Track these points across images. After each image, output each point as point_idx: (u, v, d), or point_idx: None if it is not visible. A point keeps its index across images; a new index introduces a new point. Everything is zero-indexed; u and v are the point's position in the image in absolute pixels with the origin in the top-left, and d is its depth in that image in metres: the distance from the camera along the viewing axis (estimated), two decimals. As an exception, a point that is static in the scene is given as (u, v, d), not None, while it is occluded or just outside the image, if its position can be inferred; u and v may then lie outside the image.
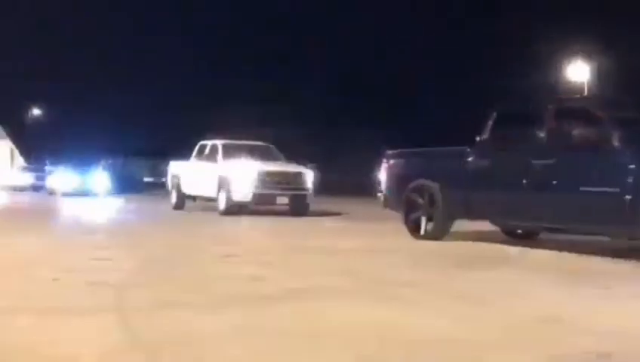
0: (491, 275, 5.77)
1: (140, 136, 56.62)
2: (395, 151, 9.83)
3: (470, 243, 8.39)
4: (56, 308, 3.99)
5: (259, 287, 4.81)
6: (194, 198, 16.53)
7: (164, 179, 18.46)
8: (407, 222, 8.87)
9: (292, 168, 15.40)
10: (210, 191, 15.02)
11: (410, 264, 6.46)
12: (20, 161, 54.49)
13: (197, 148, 16.75)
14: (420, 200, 8.63)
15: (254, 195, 14.13)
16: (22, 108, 59.96)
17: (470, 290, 4.90)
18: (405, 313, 3.99)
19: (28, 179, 36.32)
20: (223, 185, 14.33)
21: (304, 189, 14.75)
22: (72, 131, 53.89)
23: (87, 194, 25.79)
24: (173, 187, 17.15)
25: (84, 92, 66.44)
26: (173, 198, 16.95)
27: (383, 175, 9.57)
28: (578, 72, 36.42)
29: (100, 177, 27.68)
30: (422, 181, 8.66)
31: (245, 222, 12.99)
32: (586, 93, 35.16)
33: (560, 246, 8.57)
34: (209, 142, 16.45)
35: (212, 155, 15.62)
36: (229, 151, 15.57)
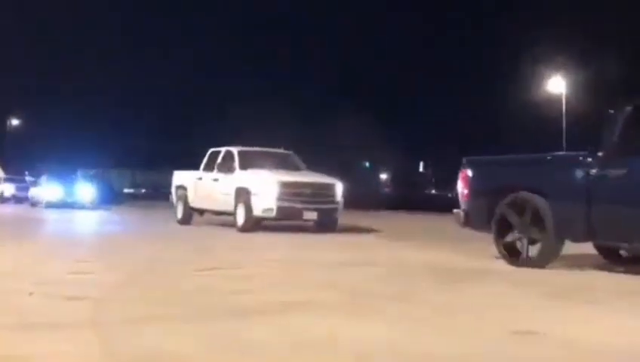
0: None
1: (117, 147, 56.39)
2: (481, 158, 8.41)
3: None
4: (31, 322, 3.92)
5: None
6: (201, 212, 15.16)
7: (170, 192, 16.43)
8: (500, 244, 7.36)
9: (321, 179, 13.83)
10: (225, 204, 13.46)
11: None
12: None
13: (207, 156, 15.04)
14: (519, 218, 7.13)
15: (279, 209, 12.58)
16: (0, 119, 59.41)
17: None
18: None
19: (9, 189, 35.58)
20: (241, 197, 12.87)
21: (334, 202, 13.30)
22: (48, 143, 53.53)
23: (72, 205, 25.07)
24: (178, 200, 15.57)
25: (61, 103, 66.10)
26: (179, 212, 15.39)
27: (462, 187, 7.96)
28: (556, 85, 37.00)
29: (85, 188, 26.83)
30: (522, 195, 7.14)
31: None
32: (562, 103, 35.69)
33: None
34: (222, 149, 14.66)
35: (226, 164, 13.95)
36: (247, 160, 13.94)
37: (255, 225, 12.65)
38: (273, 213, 12.60)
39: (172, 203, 16.08)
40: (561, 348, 3.52)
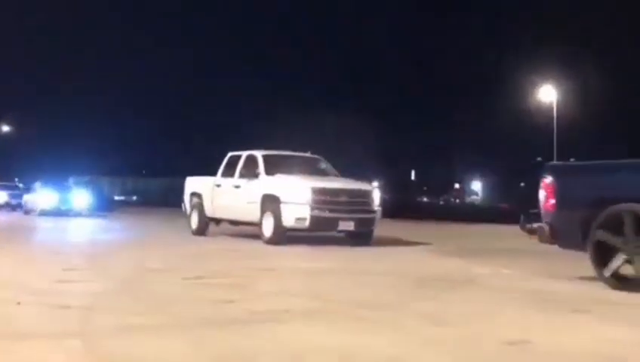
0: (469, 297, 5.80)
1: (108, 154, 56.30)
2: (568, 164, 7.54)
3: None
4: (19, 332, 3.91)
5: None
6: (217, 222, 14.00)
7: (185, 201, 14.96)
8: (602, 267, 6.23)
9: (357, 185, 12.66)
10: (249, 213, 12.21)
11: None
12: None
13: (226, 161, 13.82)
14: (623, 238, 6.05)
15: (313, 219, 11.31)
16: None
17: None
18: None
19: (1, 197, 34.45)
20: (268, 206, 11.61)
21: (372, 211, 12.05)
22: (37, 150, 53.39)
23: (66, 213, 24.54)
24: (193, 208, 14.28)
25: (51, 110, 66.04)
26: (194, 222, 14.12)
27: (546, 196, 6.84)
28: (547, 94, 37.28)
29: (80, 195, 26.25)
30: (622, 207, 6.05)
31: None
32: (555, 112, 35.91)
33: (525, 271, 8.68)
34: (243, 154, 13.42)
35: (249, 169, 12.70)
36: (272, 164, 12.63)
37: (284, 236, 11.44)
38: (306, 224, 11.34)
39: (185, 212, 14.76)
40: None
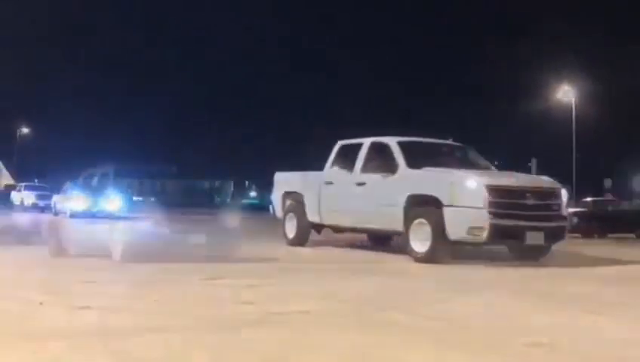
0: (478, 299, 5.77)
1: (124, 155, 56.63)
2: None
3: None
4: (40, 332, 3.95)
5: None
6: (319, 229, 11.38)
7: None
8: None
9: (544, 182, 9.70)
10: (385, 220, 9.49)
11: None
12: (7, 178, 53.95)
13: (336, 151, 11.05)
14: None
15: (493, 229, 8.39)
16: (11, 127, 59.88)
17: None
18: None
19: (29, 198, 33.39)
20: (419, 211, 8.93)
21: (564, 218, 9.42)
22: (57, 151, 53.84)
23: (98, 214, 23.68)
24: (290, 212, 11.55)
25: (71, 113, 66.68)
26: (291, 230, 11.39)
27: None
28: (565, 94, 36.95)
29: (112, 196, 25.42)
30: None
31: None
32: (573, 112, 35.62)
33: (541, 271, 8.60)
34: (365, 141, 10.51)
35: (382, 162, 9.82)
36: (413, 155, 9.67)
37: (447, 252, 8.74)
38: (484, 235, 8.46)
39: (275, 215, 12.11)
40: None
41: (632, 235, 22.78)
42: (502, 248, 9.65)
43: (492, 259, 9.27)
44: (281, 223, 11.86)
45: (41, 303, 4.84)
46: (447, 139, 11.95)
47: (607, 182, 39.83)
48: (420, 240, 8.84)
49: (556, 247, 9.64)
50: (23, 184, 35.45)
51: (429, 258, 8.65)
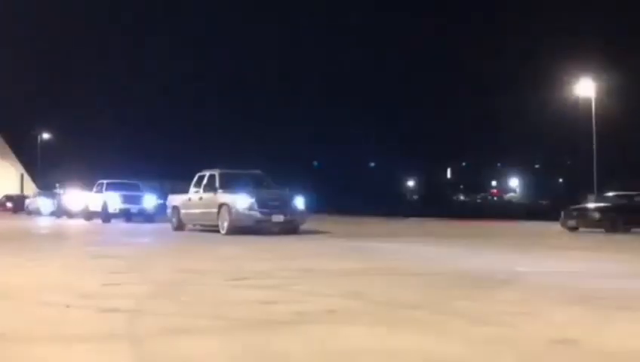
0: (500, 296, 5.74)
1: (140, 158, 56.95)
2: None
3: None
4: (67, 335, 3.99)
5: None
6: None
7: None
8: None
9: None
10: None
11: None
12: (31, 186, 54.50)
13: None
14: None
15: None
16: (31, 135, 60.58)
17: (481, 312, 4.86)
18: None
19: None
20: None
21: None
22: (76, 156, 54.24)
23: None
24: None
25: (89, 118, 67.28)
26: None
27: None
28: (585, 88, 36.54)
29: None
30: None
31: None
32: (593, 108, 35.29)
33: (568, 268, 8.54)
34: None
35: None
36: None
37: None
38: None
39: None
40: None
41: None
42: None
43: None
44: None
45: (67, 306, 4.89)
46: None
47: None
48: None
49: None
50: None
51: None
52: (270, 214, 16.14)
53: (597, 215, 22.10)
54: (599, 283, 6.77)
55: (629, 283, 6.91)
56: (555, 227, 22.51)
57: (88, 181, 31.01)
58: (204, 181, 17.94)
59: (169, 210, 19.52)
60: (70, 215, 29.23)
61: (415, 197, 79.63)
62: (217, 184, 17.20)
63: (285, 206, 16.59)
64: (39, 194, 40.17)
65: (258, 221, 16.07)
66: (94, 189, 26.45)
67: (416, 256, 10.23)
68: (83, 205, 27.14)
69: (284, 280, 6.81)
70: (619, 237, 18.47)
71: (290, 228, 16.43)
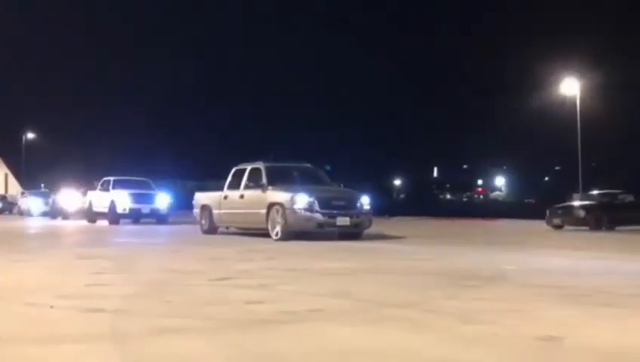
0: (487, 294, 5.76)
1: (131, 158, 56.70)
2: None
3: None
4: (52, 336, 3.96)
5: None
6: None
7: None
8: None
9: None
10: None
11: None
12: (16, 186, 54.00)
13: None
14: None
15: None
16: (16, 134, 60.10)
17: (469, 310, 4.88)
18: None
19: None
20: None
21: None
22: (63, 156, 53.83)
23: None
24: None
25: (74, 116, 66.86)
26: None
27: None
28: (569, 87, 36.80)
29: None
30: None
31: None
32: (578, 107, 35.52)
33: (548, 264, 8.58)
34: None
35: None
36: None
37: None
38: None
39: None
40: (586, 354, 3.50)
41: (640, 227, 22.71)
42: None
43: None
44: None
45: (52, 307, 4.85)
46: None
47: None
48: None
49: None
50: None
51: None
52: (334, 216, 13.63)
53: (582, 213, 22.27)
54: (584, 280, 6.82)
55: (614, 280, 6.96)
56: (541, 225, 22.65)
57: (81, 180, 30.30)
58: (245, 176, 15.33)
59: (196, 210, 17.22)
60: (66, 216, 27.69)
61: (402, 196, 79.80)
62: (264, 179, 14.57)
63: (351, 206, 14.09)
64: (31, 194, 38.57)
65: (320, 224, 13.61)
66: (99, 187, 24.20)
67: (402, 255, 10.25)
68: (80, 205, 25.91)
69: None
70: (603, 235, 18.62)
71: (355, 233, 13.96)
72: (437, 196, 79.94)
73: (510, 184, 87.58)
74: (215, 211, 16.20)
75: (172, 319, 4.48)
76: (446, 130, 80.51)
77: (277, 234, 13.53)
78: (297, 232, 13.50)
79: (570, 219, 22.41)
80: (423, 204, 51.43)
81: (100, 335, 3.95)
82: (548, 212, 23.32)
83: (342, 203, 14.06)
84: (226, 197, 15.95)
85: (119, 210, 22.08)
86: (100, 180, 24.98)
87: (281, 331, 4.06)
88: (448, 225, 25.02)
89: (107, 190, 23.32)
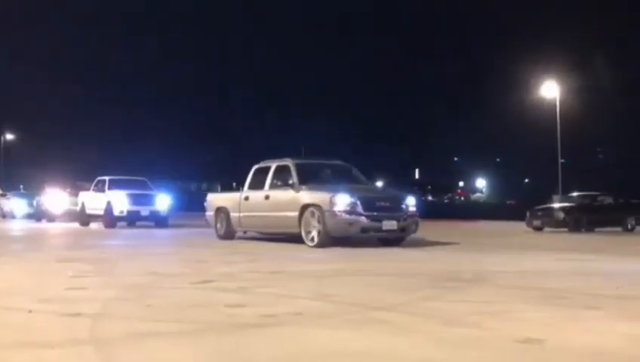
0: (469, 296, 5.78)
1: (113, 158, 56.29)
2: None
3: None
4: (31, 341, 3.90)
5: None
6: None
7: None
8: None
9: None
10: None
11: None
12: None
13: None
14: None
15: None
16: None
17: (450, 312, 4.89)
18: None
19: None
20: None
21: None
22: (40, 158, 53.30)
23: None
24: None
25: (51, 118, 66.34)
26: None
27: None
28: (549, 90, 37.15)
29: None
30: None
31: None
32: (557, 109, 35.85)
33: (529, 266, 8.63)
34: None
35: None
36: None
37: None
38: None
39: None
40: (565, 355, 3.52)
41: (619, 228, 22.97)
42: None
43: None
44: None
45: (30, 311, 4.79)
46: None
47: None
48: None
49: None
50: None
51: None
52: (380, 220, 12.12)
53: (561, 215, 22.48)
54: (564, 282, 6.88)
55: (593, 281, 7.03)
56: (521, 227, 22.83)
57: (68, 181, 29.06)
58: (270, 174, 13.85)
59: (210, 213, 15.69)
60: (51, 218, 26.48)
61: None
62: (295, 178, 13.03)
63: (397, 209, 12.57)
64: (14, 195, 36.75)
65: (365, 229, 12.13)
66: (92, 188, 23.01)
67: (383, 257, 10.26)
68: (67, 207, 24.98)
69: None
70: (583, 237, 18.79)
71: (399, 239, 12.75)
72: (419, 198, 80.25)
73: (491, 186, 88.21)
74: (233, 214, 14.73)
75: (153, 323, 4.44)
76: (428, 132, 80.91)
77: (312, 240, 12.11)
78: (337, 238, 12.11)
79: (550, 220, 22.62)
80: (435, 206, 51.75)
81: (79, 339, 3.91)
82: (528, 214, 23.51)
83: (387, 204, 12.62)
84: (247, 198, 14.42)
85: (116, 213, 20.82)
86: (83, 180, 24.25)
87: (263, 334, 4.04)
88: (429, 227, 25.10)
89: (102, 191, 22.08)
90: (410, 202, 12.80)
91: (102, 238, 15.95)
